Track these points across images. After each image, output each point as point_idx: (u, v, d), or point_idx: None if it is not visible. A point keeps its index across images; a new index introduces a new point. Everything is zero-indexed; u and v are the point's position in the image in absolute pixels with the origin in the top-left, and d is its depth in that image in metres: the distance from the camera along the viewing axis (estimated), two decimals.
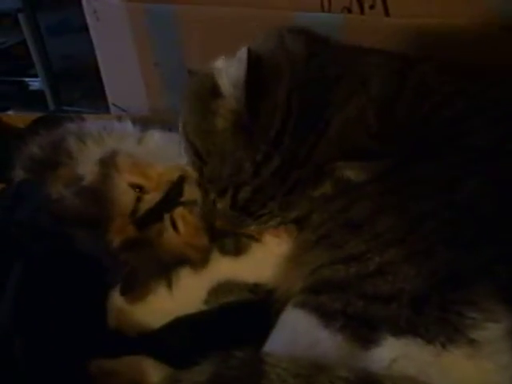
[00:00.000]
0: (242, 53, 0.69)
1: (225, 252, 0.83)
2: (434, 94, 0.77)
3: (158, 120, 1.04)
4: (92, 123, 1.03)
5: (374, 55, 0.83)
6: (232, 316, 0.80)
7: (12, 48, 3.09)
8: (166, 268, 0.82)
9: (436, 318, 0.58)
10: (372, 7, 1.03)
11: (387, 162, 0.70)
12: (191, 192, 0.81)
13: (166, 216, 0.81)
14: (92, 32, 1.48)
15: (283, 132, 0.70)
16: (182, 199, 0.82)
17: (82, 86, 2.90)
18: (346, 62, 0.78)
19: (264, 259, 0.81)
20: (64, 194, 0.83)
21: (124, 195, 0.81)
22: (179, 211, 0.82)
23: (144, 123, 1.03)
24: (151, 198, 0.81)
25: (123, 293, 0.79)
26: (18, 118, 1.36)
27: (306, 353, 0.62)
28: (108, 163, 0.84)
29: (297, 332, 0.66)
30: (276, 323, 0.70)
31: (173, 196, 0.81)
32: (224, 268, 0.82)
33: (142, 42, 1.35)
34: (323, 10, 1.07)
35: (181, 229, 0.82)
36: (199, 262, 0.82)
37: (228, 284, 0.81)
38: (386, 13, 1.02)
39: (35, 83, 2.99)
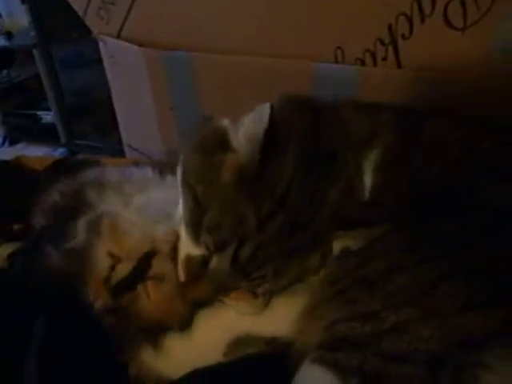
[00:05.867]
0: (264, 109, 0.71)
1: None
2: (445, 152, 0.78)
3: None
4: (111, 171, 1.04)
5: (382, 112, 0.85)
6: (251, 368, 0.81)
7: (26, 81, 3.14)
8: (149, 332, 0.84)
9: (452, 379, 0.59)
10: (384, 59, 1.05)
11: (388, 226, 0.73)
12: (159, 266, 0.84)
13: (140, 285, 0.83)
14: (109, 75, 1.53)
15: (287, 194, 0.72)
16: (150, 273, 0.84)
17: (93, 120, 2.94)
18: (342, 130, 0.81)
19: (282, 313, 0.82)
20: (51, 252, 0.85)
21: (100, 262, 0.83)
22: (152, 281, 0.84)
23: (161, 168, 1.04)
24: (123, 269, 0.83)
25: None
26: (35, 159, 1.38)
27: None
28: (93, 228, 0.86)
29: None
30: (294, 377, 0.71)
31: (142, 269, 0.83)
32: (244, 322, 0.83)
33: (159, 87, 1.38)
34: (336, 61, 1.10)
35: (153, 298, 0.83)
36: (176, 327, 0.84)
37: (247, 338, 0.82)
38: (398, 65, 1.05)
39: (48, 116, 3.03)
